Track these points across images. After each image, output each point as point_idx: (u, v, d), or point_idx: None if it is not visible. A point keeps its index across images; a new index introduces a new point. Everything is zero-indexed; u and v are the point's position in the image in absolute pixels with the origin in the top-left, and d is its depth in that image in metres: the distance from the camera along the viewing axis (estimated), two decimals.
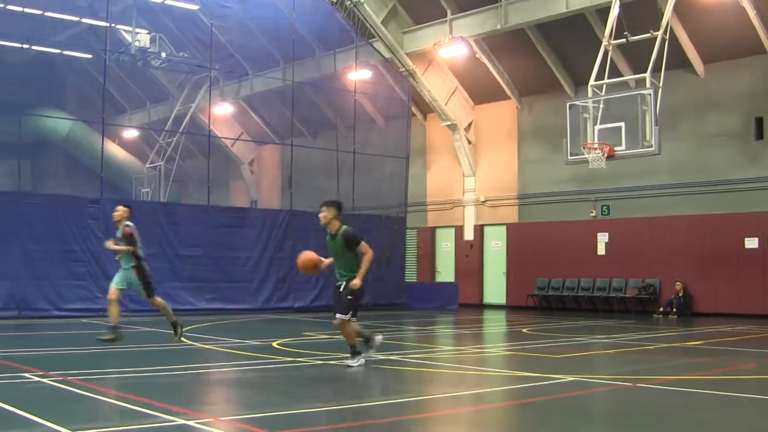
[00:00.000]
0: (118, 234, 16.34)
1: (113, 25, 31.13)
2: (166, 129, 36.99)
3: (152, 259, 25.58)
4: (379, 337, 14.06)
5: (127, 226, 16.26)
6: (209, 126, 32.05)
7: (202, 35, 32.69)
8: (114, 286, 16.27)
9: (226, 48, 33.91)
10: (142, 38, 33.63)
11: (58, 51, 33.47)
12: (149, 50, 33.83)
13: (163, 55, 33.94)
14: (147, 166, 38.07)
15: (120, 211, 16.50)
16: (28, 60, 32.89)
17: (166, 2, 31.78)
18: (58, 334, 19.87)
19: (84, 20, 31.27)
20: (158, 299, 16.59)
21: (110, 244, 16.40)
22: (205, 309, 26.47)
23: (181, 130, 36.30)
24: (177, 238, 26.65)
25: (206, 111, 36.29)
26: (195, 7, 31.86)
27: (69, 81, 36.44)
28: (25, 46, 31.53)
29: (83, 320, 23.30)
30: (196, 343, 17.62)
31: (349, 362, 13.41)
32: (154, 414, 9.22)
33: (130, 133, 40.59)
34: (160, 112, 38.96)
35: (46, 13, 30.94)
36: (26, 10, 29.79)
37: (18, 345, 17.45)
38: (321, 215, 13.55)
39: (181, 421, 8.80)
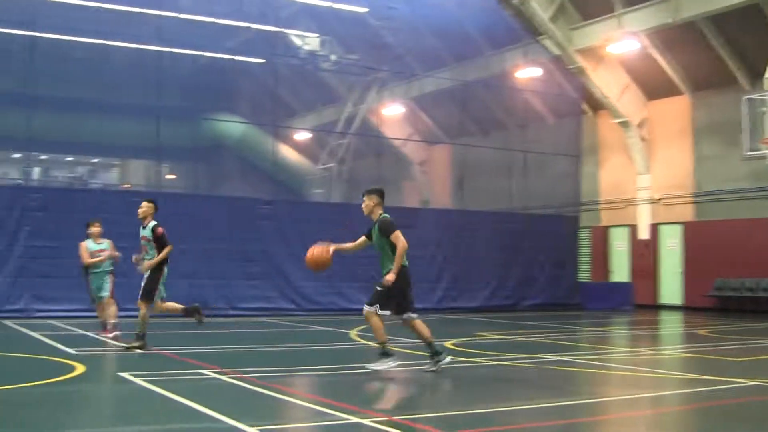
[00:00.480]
0: (144, 233, 15.37)
1: (283, 29, 31.65)
2: (336, 131, 37.39)
3: None
4: (390, 364, 12.48)
5: (159, 226, 15.26)
6: (380, 127, 32.21)
7: (370, 37, 32.91)
8: (157, 299, 15.31)
9: (395, 49, 34.04)
10: (312, 42, 34.07)
11: (230, 57, 34.19)
12: (319, 53, 34.25)
13: (333, 57, 34.30)
14: (319, 167, 38.55)
15: (144, 207, 15.45)
16: (202, 66, 33.76)
17: (334, 6, 32.11)
18: (234, 333, 20.25)
19: (255, 26, 31.86)
20: (145, 307, 15.20)
21: (146, 266, 15.21)
22: None
23: (351, 131, 36.63)
24: (351, 238, 26.80)
25: (376, 112, 36.56)
26: (363, 10, 32.11)
27: (241, 86, 37.18)
28: (199, 52, 32.40)
29: (259, 319, 23.73)
30: (371, 343, 17.71)
31: (372, 365, 12.52)
32: (329, 412, 9.27)
33: (302, 136, 41.17)
34: (330, 114, 39.35)
35: (219, 21, 31.64)
36: (199, 18, 30.57)
37: (196, 343, 17.85)
38: (363, 205, 13.00)
39: (355, 420, 8.82)
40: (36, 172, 41.55)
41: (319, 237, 26.18)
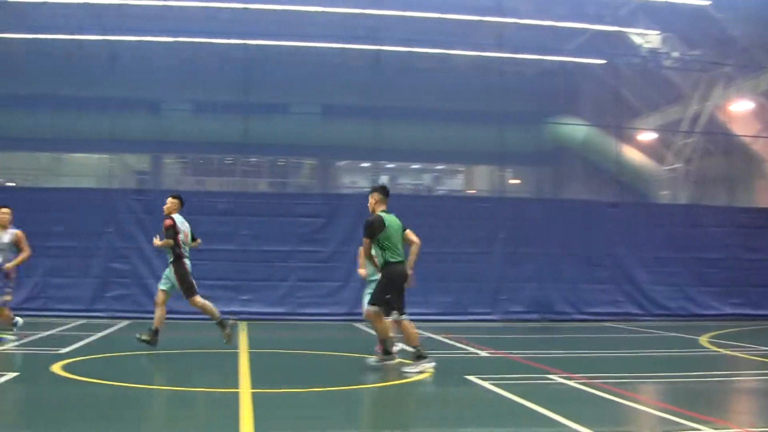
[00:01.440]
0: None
1: (622, 29, 31.16)
2: (681, 130, 36.35)
3: (671, 263, 25.32)
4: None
5: (169, 217, 15.18)
6: (727, 124, 30.96)
7: (714, 31, 31.79)
8: (159, 288, 15.44)
9: (741, 42, 32.66)
10: (652, 39, 33.30)
11: (570, 59, 34.01)
12: (660, 51, 33.43)
13: (675, 54, 33.38)
14: (664, 168, 37.62)
15: (168, 203, 15.48)
16: (542, 70, 33.75)
17: (674, 1, 31.24)
18: (581, 337, 20.11)
19: (593, 27, 31.57)
20: (198, 300, 15.24)
21: (156, 242, 15.30)
22: (731, 314, 25.48)
23: (697, 130, 35.50)
24: (699, 240, 25.99)
25: (723, 109, 35.25)
26: (705, 2, 31.03)
27: (582, 88, 36.89)
28: (540, 57, 32.44)
29: (605, 324, 23.43)
30: (720, 350, 17.09)
31: (370, 359, 13.05)
32: (676, 420, 9.03)
33: (646, 136, 40.31)
34: (674, 113, 38.28)
35: (558, 24, 31.57)
36: (538, 22, 30.62)
37: (542, 347, 17.85)
38: (369, 203, 13.27)
39: (706, 429, 8.52)
40: (383, 180, 42.99)
41: (665, 239, 25.66)
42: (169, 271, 15.24)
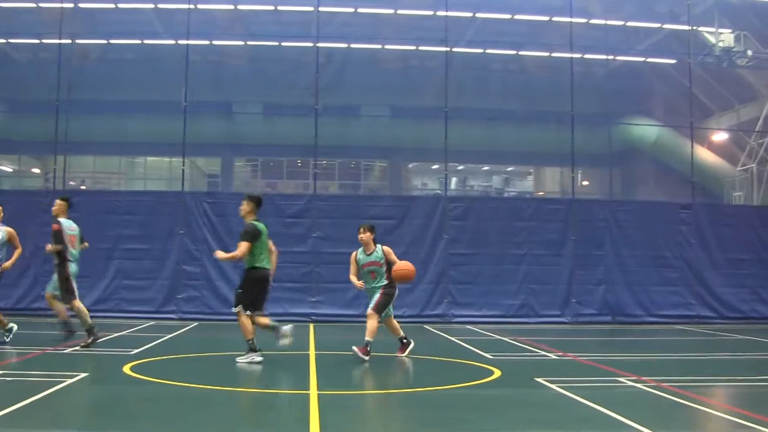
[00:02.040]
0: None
1: (695, 27, 30.77)
2: (756, 130, 35.83)
3: (744, 265, 24.92)
4: (287, 327, 13.76)
5: (56, 223, 15.14)
6: None
7: None
8: (47, 291, 15.78)
9: None
10: (726, 38, 32.83)
11: (641, 59, 33.68)
12: (734, 49, 32.97)
13: (749, 53, 32.88)
14: (738, 169, 37.12)
15: (56, 205, 15.44)
16: (613, 70, 33.47)
17: None
18: (652, 340, 19.90)
19: (665, 26, 31.25)
20: (77, 303, 15.06)
21: (48, 248, 15.18)
22: None
23: None
24: None
25: None
26: None
27: (654, 88, 36.49)
28: (610, 57, 32.17)
29: (676, 326, 23.16)
30: None
31: (239, 358, 13.60)
32: (747, 424, 8.93)
33: (719, 136, 39.79)
34: (749, 112, 37.74)
35: (629, 24, 31.32)
36: (610, 22, 30.38)
37: (612, 349, 17.70)
38: (240, 207, 13.97)
39: None
40: (453, 182, 42.96)
41: (738, 240, 25.26)
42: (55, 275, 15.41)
